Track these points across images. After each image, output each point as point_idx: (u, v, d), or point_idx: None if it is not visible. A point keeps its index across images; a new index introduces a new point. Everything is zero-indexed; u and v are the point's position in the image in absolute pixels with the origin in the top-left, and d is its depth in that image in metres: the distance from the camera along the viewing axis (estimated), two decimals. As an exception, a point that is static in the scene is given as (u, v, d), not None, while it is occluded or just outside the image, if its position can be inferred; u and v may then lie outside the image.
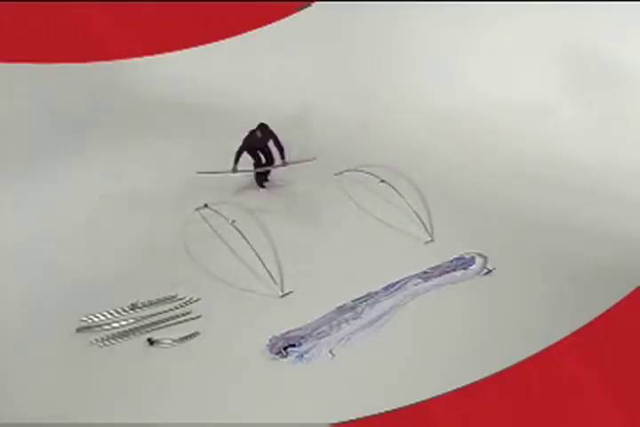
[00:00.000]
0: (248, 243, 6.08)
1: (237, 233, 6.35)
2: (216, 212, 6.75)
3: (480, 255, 6.52)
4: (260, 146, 7.73)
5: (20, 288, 5.88)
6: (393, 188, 7.19)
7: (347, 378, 4.88)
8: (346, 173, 7.93)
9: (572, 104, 8.95)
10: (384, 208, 7.29)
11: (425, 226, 6.96)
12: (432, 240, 6.82)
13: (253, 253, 6.27)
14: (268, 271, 5.94)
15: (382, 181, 7.31)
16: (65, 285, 5.96)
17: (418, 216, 7.02)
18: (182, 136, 9.62)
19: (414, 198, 7.50)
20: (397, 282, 6.05)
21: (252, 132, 7.58)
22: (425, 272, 6.22)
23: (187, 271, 6.24)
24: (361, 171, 7.70)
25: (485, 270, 6.33)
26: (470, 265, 6.37)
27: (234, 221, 6.33)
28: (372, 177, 7.47)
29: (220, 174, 7.70)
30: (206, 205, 7.02)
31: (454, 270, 6.29)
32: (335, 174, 7.97)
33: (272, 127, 8.14)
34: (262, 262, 5.99)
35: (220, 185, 7.78)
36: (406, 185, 7.64)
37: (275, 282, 5.90)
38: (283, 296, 5.82)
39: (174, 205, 7.46)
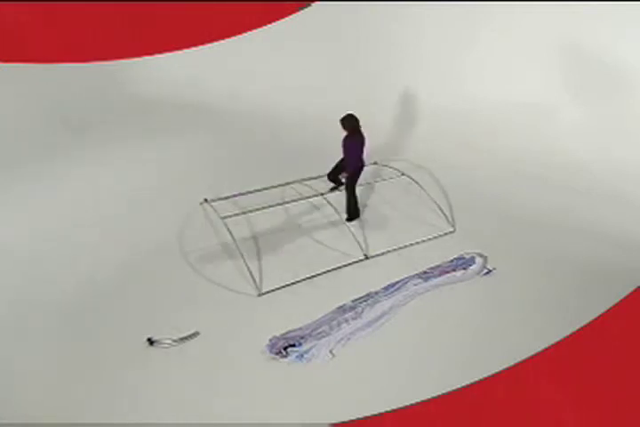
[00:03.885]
0: (235, 241, 6.11)
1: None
2: (212, 207, 6.72)
3: (480, 255, 6.53)
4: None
5: (20, 288, 5.89)
6: (415, 181, 7.33)
7: (347, 378, 4.88)
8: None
9: (571, 104, 8.95)
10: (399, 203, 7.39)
11: (446, 217, 7.19)
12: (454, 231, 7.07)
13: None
14: (249, 271, 5.95)
15: (403, 174, 7.45)
16: (65, 284, 5.96)
17: (440, 209, 7.24)
18: (182, 136, 9.63)
19: (413, 198, 7.53)
20: (397, 282, 6.05)
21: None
22: (425, 272, 6.23)
23: (187, 270, 6.24)
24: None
25: (485, 270, 6.33)
26: (470, 265, 6.37)
27: (225, 217, 6.32)
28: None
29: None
30: (206, 200, 7.03)
31: (454, 270, 6.29)
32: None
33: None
34: (246, 263, 6.00)
35: (221, 183, 7.80)
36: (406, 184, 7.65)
37: (254, 282, 5.91)
38: (260, 295, 5.83)
39: (174, 204, 7.47)
